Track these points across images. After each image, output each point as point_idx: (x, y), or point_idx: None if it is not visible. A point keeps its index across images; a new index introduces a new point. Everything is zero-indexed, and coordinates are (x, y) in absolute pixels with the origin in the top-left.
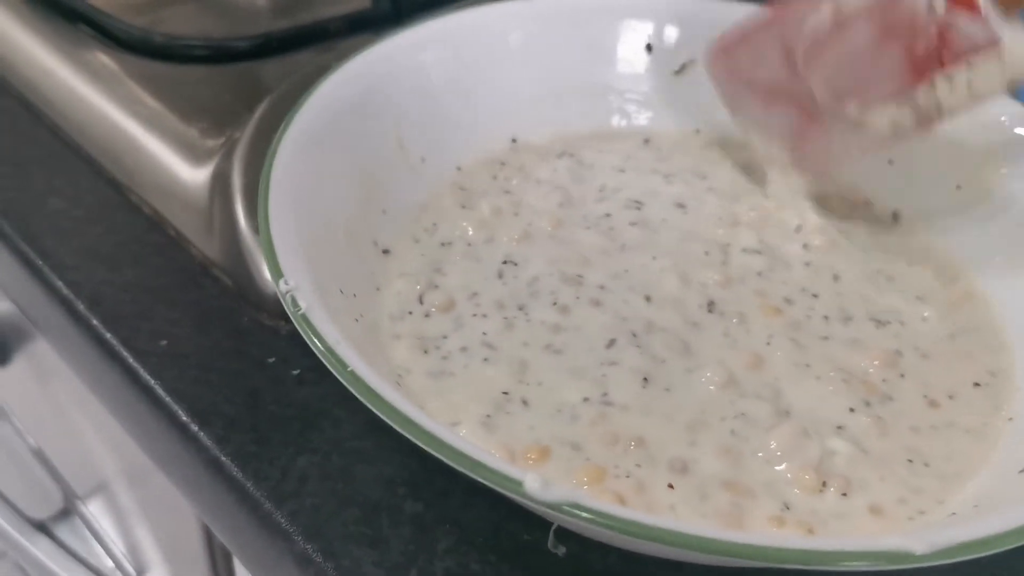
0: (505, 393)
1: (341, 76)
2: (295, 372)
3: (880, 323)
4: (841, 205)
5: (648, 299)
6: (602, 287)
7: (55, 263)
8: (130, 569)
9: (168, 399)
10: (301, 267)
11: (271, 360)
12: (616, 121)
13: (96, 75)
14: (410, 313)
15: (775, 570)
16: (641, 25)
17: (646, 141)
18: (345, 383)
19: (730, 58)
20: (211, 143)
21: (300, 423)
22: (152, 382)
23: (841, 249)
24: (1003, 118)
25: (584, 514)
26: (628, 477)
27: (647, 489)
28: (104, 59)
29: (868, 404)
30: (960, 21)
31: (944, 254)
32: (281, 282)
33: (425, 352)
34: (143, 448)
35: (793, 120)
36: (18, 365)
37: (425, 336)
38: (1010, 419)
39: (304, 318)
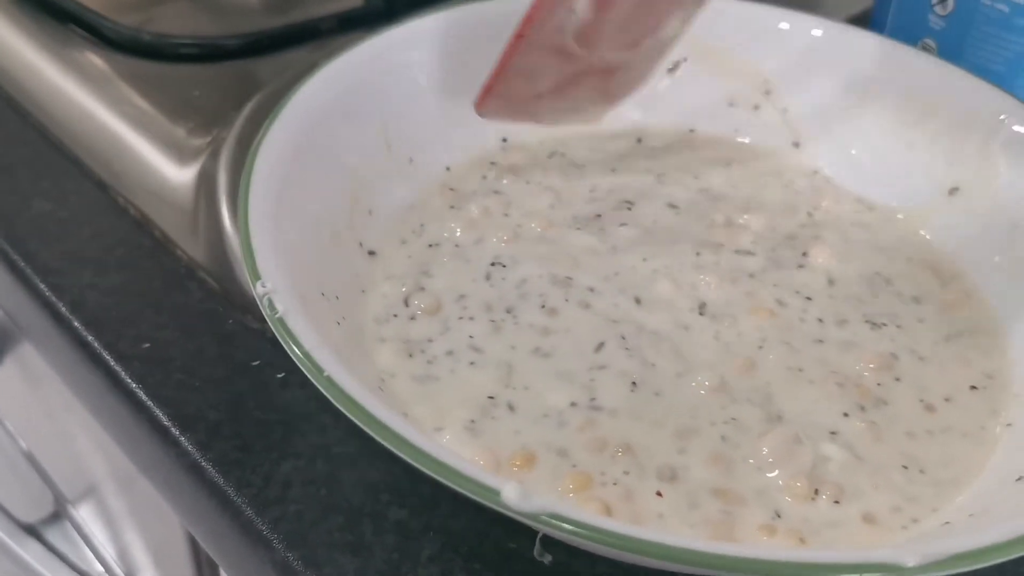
0: (491, 397)
1: (327, 74)
2: (280, 376)
3: (875, 325)
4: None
5: (638, 301)
6: (592, 289)
7: (39, 266)
8: (119, 573)
9: (150, 403)
10: (280, 269)
11: (256, 364)
12: (608, 120)
13: (85, 74)
14: (395, 316)
15: None
16: None
17: (639, 140)
18: (321, 388)
19: (500, 96)
20: (197, 142)
21: (284, 428)
22: (134, 386)
23: (837, 251)
24: (1002, 116)
25: (565, 525)
26: (615, 485)
27: (635, 497)
28: (93, 58)
29: (862, 408)
30: None
31: (942, 255)
32: (259, 284)
33: (410, 356)
34: (126, 453)
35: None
36: (8, 368)
37: (410, 339)
38: (1009, 424)
39: (281, 321)
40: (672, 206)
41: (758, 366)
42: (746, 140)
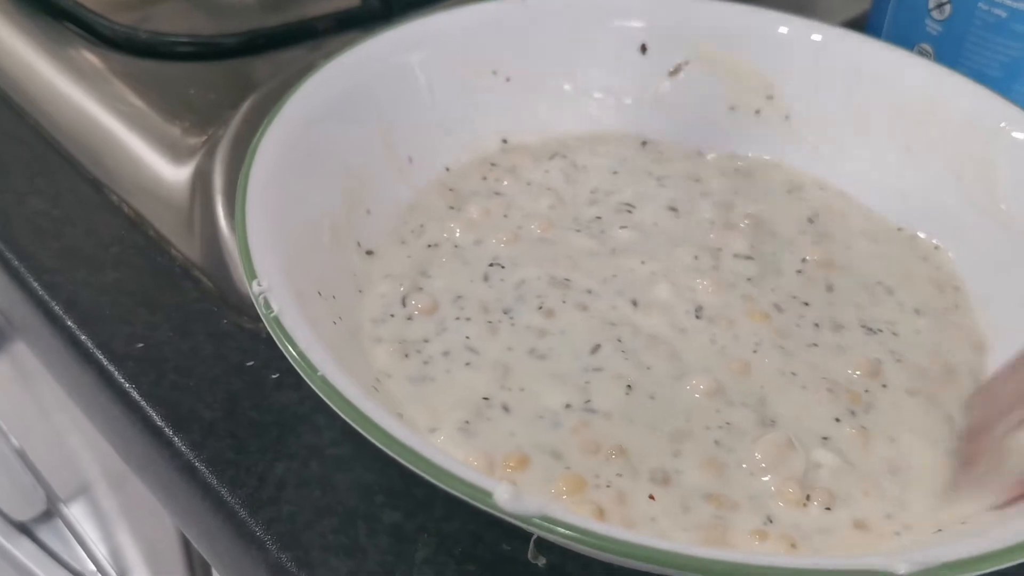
0: (486, 399)
1: (327, 73)
2: (274, 376)
3: (871, 331)
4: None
5: (635, 304)
6: (589, 291)
7: (33, 264)
8: (112, 572)
9: (143, 403)
10: (277, 268)
11: (250, 364)
12: (610, 122)
13: (80, 73)
14: (392, 316)
15: None
16: (635, 25)
17: (643, 144)
18: (314, 388)
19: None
20: (193, 141)
21: (278, 428)
22: (127, 385)
23: (837, 257)
24: (1002, 124)
25: (556, 528)
26: (609, 487)
27: (628, 500)
28: (89, 57)
29: (853, 414)
30: None
31: (942, 262)
32: (254, 283)
33: (406, 356)
34: (119, 452)
35: None
36: (1, 366)
37: (407, 340)
38: None
39: (276, 320)
40: (672, 209)
41: (753, 370)
42: (747, 145)
